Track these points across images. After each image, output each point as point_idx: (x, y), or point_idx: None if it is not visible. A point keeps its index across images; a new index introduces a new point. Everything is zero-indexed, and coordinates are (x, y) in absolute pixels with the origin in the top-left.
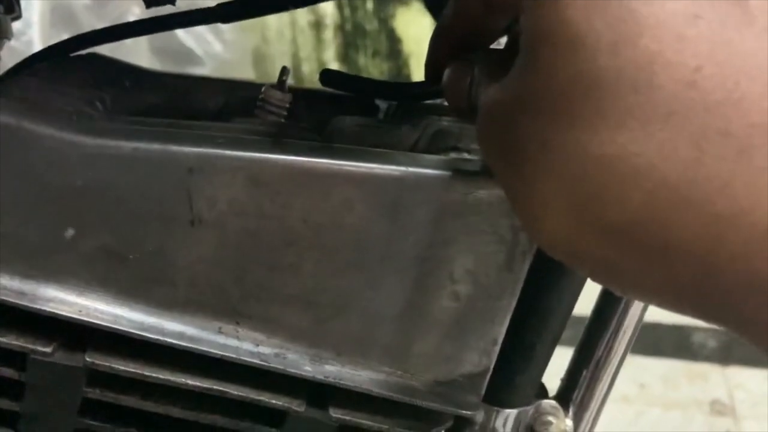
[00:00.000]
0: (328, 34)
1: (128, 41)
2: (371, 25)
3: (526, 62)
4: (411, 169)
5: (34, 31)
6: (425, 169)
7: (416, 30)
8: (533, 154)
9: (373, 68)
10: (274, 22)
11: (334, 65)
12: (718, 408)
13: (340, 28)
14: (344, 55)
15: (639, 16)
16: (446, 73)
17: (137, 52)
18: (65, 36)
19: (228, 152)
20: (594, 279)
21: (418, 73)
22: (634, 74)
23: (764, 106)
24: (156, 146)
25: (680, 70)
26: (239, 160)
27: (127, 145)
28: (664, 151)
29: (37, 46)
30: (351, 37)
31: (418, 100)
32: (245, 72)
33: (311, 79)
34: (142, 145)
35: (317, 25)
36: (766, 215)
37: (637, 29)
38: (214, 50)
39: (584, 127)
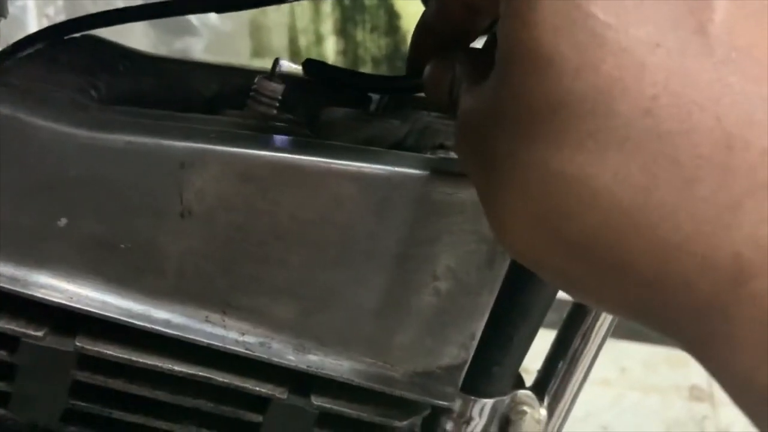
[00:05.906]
0: (327, 7)
1: None
2: (370, 0)
3: (499, 76)
4: (398, 169)
5: None
6: (412, 169)
7: (415, 7)
8: (501, 165)
9: (371, 43)
10: None
11: (332, 39)
12: (696, 394)
13: (339, 1)
14: (342, 29)
15: (603, 42)
16: (427, 69)
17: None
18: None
19: (219, 147)
20: (556, 286)
21: None
22: (594, 99)
23: (713, 138)
24: (149, 140)
25: (637, 98)
26: (230, 155)
27: (121, 138)
28: (619, 175)
29: (32, 11)
30: (349, 11)
31: (398, 93)
32: (242, 43)
33: (308, 53)
34: (136, 139)
35: None
36: (704, 245)
37: (600, 55)
38: (211, 21)
39: (547, 144)
